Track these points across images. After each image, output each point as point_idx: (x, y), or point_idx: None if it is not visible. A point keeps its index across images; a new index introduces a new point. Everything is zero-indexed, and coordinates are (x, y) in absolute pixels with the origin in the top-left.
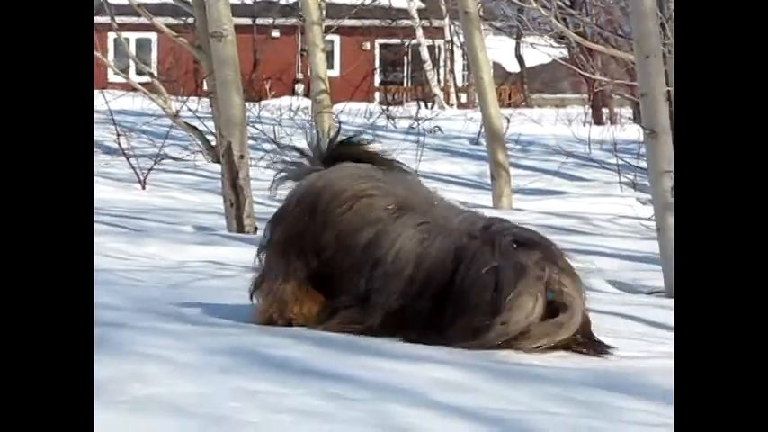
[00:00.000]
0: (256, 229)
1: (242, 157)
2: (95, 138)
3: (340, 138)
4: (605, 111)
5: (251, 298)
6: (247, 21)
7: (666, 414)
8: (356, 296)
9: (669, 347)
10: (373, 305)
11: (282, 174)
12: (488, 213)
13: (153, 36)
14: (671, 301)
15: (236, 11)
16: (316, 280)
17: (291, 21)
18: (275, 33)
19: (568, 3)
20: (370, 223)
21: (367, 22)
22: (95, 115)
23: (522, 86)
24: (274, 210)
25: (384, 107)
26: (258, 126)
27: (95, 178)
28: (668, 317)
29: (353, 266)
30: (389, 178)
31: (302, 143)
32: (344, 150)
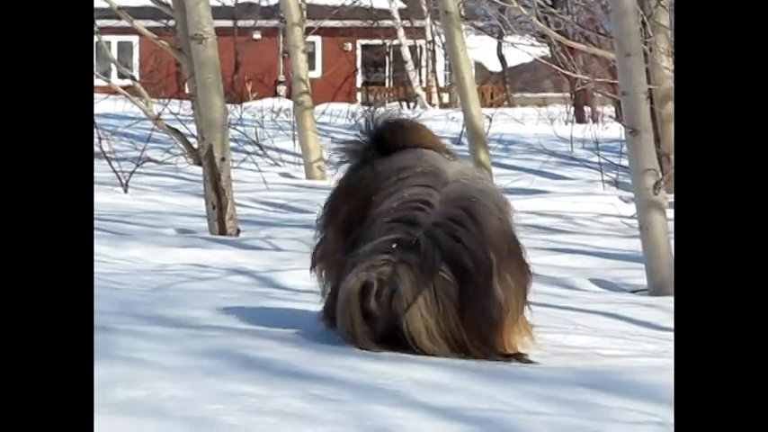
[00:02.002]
0: (239, 231)
1: (223, 159)
2: None
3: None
4: (587, 109)
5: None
6: (228, 23)
7: (652, 412)
8: None
9: (653, 346)
10: None
11: (342, 156)
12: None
13: (134, 39)
14: (654, 300)
15: (217, 13)
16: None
17: (272, 22)
18: (256, 35)
19: (549, 2)
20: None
21: (348, 22)
22: None
23: (503, 86)
24: (256, 211)
25: (366, 108)
26: (240, 128)
27: None
28: (651, 315)
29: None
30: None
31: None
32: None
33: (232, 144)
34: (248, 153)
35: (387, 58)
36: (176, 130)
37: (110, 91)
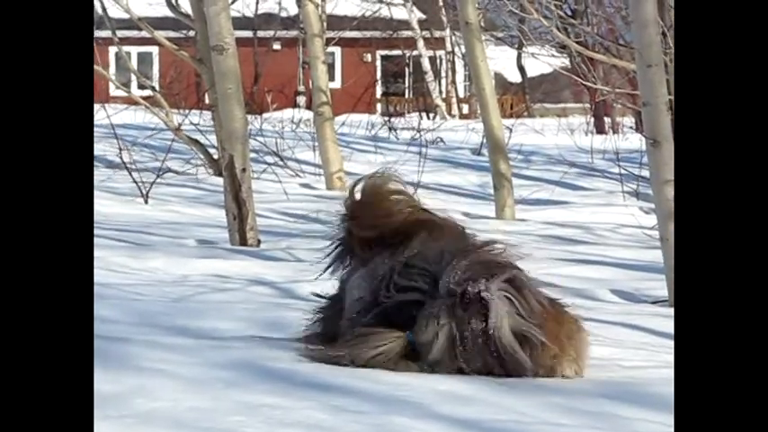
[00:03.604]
0: (259, 242)
1: (244, 170)
2: (97, 152)
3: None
4: (607, 120)
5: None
6: (248, 34)
7: (672, 424)
8: None
9: (673, 357)
10: None
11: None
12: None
13: (154, 50)
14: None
15: (238, 24)
16: None
17: (293, 33)
18: (276, 46)
19: (569, 13)
20: None
21: (368, 33)
22: (97, 130)
23: (523, 96)
24: (277, 222)
25: (386, 118)
26: (260, 139)
27: (98, 192)
28: (672, 326)
29: None
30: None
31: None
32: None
33: (252, 155)
34: (269, 164)
35: (406, 69)
36: (197, 141)
37: (130, 101)
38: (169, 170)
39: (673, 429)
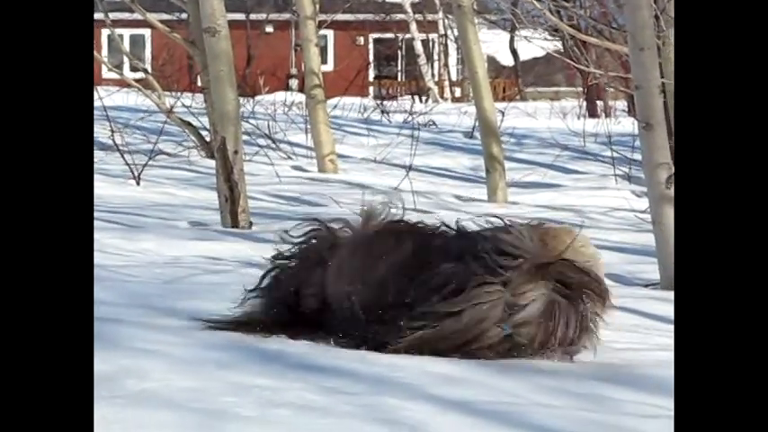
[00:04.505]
0: (251, 224)
1: (236, 152)
2: None
3: None
4: (600, 103)
5: None
6: (241, 16)
7: (664, 405)
8: None
9: (665, 339)
10: None
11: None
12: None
13: (146, 32)
14: (667, 294)
15: (230, 6)
16: None
17: (285, 16)
18: (269, 28)
19: None
20: None
21: (361, 16)
22: None
23: (516, 80)
24: (269, 204)
25: (378, 101)
26: (252, 121)
27: None
28: (664, 309)
29: None
30: None
31: None
32: None
33: (244, 137)
34: (261, 146)
35: (399, 52)
36: (189, 123)
37: (122, 84)
38: (161, 152)
39: (666, 411)
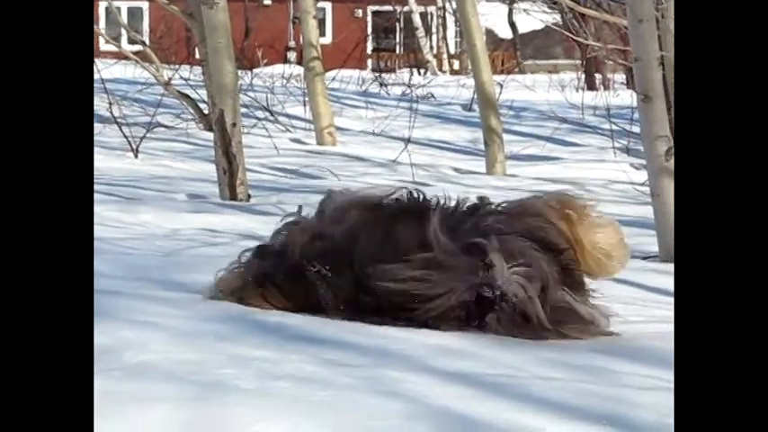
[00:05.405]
0: (249, 196)
1: (234, 124)
2: None
3: None
4: (598, 76)
5: None
6: None
7: (664, 378)
8: None
9: (665, 312)
10: None
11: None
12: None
13: (144, 4)
14: (666, 266)
15: None
16: None
17: None
18: (267, 1)
19: None
20: None
21: None
22: None
23: (514, 52)
24: (267, 177)
25: (377, 74)
26: (251, 94)
27: None
28: (663, 281)
29: None
30: None
31: None
32: None
33: (243, 110)
34: (259, 119)
35: (397, 25)
36: (187, 96)
37: (120, 56)
38: (159, 125)
39: (666, 384)
